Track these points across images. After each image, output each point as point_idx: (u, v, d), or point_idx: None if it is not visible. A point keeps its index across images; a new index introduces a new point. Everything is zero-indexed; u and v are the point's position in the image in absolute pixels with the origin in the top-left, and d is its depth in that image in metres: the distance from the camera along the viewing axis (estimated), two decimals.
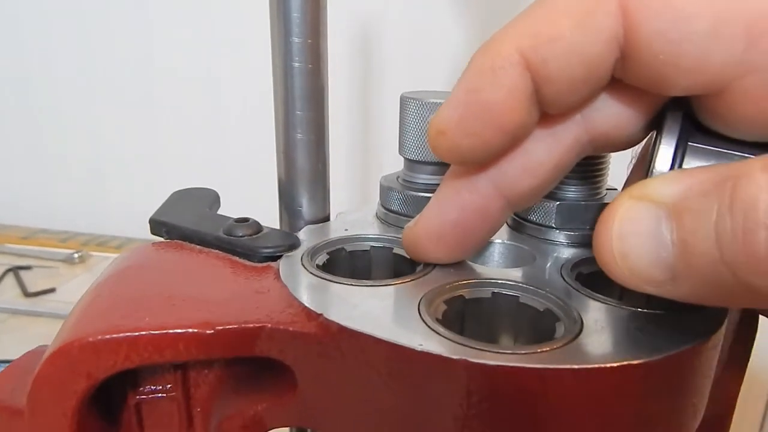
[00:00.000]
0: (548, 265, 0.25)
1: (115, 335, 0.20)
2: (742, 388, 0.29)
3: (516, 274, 0.24)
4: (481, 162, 0.22)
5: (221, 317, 0.21)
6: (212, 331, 0.20)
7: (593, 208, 0.28)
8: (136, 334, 0.20)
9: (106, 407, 0.23)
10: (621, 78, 0.20)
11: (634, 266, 0.18)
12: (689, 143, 0.20)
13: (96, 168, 0.83)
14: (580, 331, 0.20)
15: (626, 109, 0.21)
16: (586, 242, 0.28)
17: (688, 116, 0.20)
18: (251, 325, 0.21)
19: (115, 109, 0.76)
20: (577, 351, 0.19)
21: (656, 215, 0.17)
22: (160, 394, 0.23)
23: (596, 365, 0.18)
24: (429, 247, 0.24)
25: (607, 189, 0.30)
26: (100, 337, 0.20)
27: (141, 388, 0.23)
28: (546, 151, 0.22)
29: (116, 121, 0.77)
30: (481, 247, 0.25)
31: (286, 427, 0.24)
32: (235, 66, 0.69)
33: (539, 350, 0.18)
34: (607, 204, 0.28)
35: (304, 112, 0.29)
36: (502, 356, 0.18)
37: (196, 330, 0.20)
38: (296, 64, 0.28)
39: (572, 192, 0.28)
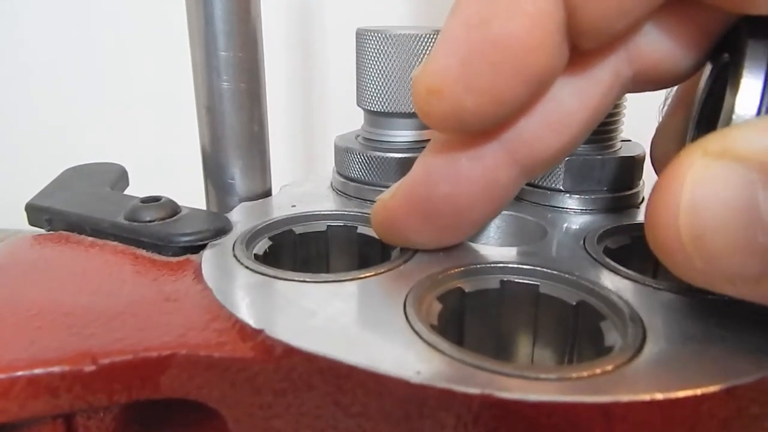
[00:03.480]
0: (564, 239, 0.19)
1: None
2: None
3: (527, 254, 0.18)
4: (491, 126, 0.15)
5: (108, 344, 0.14)
6: (93, 368, 0.13)
7: (609, 163, 0.22)
8: None
9: None
10: None
11: (712, 253, 0.12)
12: None
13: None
14: (645, 335, 0.13)
15: (683, 33, 0.15)
16: (603, 207, 0.22)
17: None
18: (155, 354, 0.14)
19: (20, 98, 0.65)
20: (649, 368, 0.12)
21: (748, 179, 0.12)
22: None
23: (689, 393, 0.12)
24: (412, 228, 0.17)
25: (622, 141, 0.23)
26: None
27: None
28: (578, 98, 0.16)
29: (20, 100, 0.65)
30: (481, 229, 0.18)
31: None
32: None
33: (599, 372, 0.12)
34: (628, 158, 0.23)
35: (230, 53, 0.22)
36: (545, 385, 0.12)
37: (66, 368, 0.13)
38: None
39: (581, 146, 0.22)
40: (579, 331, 0.16)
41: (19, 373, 0.13)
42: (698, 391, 0.12)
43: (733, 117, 0.14)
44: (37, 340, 0.14)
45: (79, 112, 0.61)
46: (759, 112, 0.14)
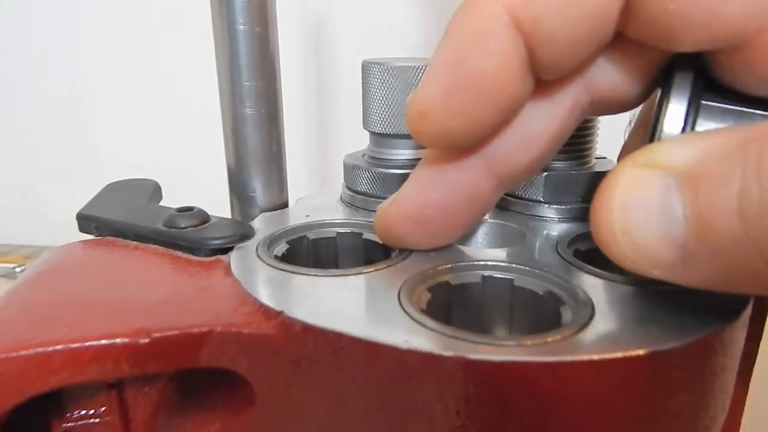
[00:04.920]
0: (541, 242, 0.22)
1: (22, 352, 0.16)
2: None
3: (506, 254, 0.21)
4: (471, 144, 0.18)
5: (158, 322, 0.17)
6: (147, 340, 0.17)
7: (584, 178, 0.25)
8: (50, 349, 0.16)
9: None
10: (622, 32, 0.17)
11: (638, 245, 0.15)
12: (702, 101, 0.17)
13: (32, 175, 0.77)
14: (592, 314, 0.17)
15: (630, 67, 0.18)
16: (578, 216, 0.25)
17: (700, 72, 0.17)
18: (196, 330, 0.17)
19: (45, 111, 0.70)
20: (592, 339, 0.15)
21: (665, 185, 0.14)
22: (92, 420, 0.19)
23: (618, 354, 0.15)
24: (406, 231, 0.20)
25: (596, 158, 0.27)
26: (3, 355, 0.16)
27: (68, 414, 0.19)
28: (544, 120, 0.19)
29: (48, 124, 0.70)
30: (468, 232, 0.21)
31: None
32: (170, 30, 0.63)
33: (549, 340, 0.15)
34: (600, 173, 0.26)
35: (252, 82, 0.25)
36: (506, 350, 0.15)
37: (127, 340, 0.16)
38: (241, 27, 0.25)
39: (560, 162, 0.25)
40: (545, 315, 0.19)
41: (89, 344, 0.16)
42: (628, 353, 0.15)
43: (662, 135, 0.17)
44: (101, 320, 0.17)
45: (122, 133, 0.66)
46: (683, 131, 0.17)
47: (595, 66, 0.18)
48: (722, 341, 0.16)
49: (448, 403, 0.15)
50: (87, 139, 0.69)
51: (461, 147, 0.19)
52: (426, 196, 0.20)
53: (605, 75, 0.18)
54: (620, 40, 0.17)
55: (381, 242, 0.22)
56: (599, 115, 0.20)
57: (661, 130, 0.17)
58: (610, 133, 0.27)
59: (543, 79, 0.18)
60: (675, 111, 0.17)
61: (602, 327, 0.16)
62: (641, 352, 0.15)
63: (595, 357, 0.14)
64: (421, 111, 0.17)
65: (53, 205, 0.73)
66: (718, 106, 0.17)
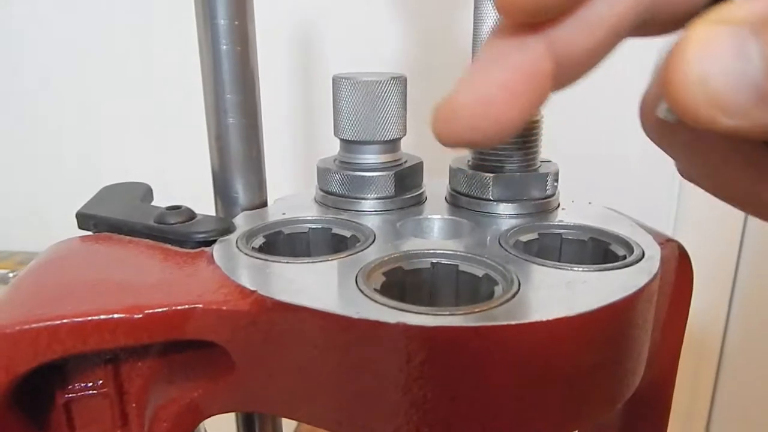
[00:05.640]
0: (487, 235, 0.25)
1: (33, 324, 0.19)
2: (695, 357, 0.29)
3: (455, 245, 0.24)
4: (552, 15, 0.19)
5: (150, 300, 0.20)
6: (140, 315, 0.19)
7: (529, 178, 0.28)
8: (57, 322, 0.19)
9: (32, 410, 0.22)
10: None
11: (714, 91, 0.16)
12: None
13: (29, 180, 0.79)
14: (518, 291, 0.20)
15: None
16: (523, 213, 0.28)
17: None
18: (182, 307, 0.20)
19: (46, 115, 0.73)
20: (514, 308, 0.19)
21: (740, 35, 0.15)
22: (91, 391, 0.22)
23: (533, 320, 0.18)
24: (472, 113, 0.19)
25: (542, 161, 0.30)
26: (18, 327, 0.19)
27: (70, 386, 0.22)
28: (605, 9, 0.19)
29: (49, 127, 0.73)
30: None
31: (224, 413, 0.23)
32: (165, 52, 0.66)
33: (477, 310, 0.18)
34: (541, 173, 0.29)
35: (234, 96, 0.28)
36: (440, 317, 0.18)
37: (123, 315, 0.19)
38: (224, 47, 0.28)
39: (508, 163, 0.28)
40: (483, 295, 0.22)
41: (91, 318, 0.19)
42: (545, 318, 0.18)
43: None
44: (100, 298, 0.20)
45: (111, 139, 0.70)
46: None
47: None
48: (626, 308, 0.19)
49: (393, 362, 0.18)
50: (87, 149, 0.72)
51: (543, 16, 0.19)
52: (492, 76, 0.20)
53: None
54: None
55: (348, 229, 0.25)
56: (657, 20, 0.21)
57: None
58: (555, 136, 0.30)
59: None
60: None
61: (525, 300, 0.19)
62: (552, 317, 0.18)
63: (513, 322, 0.17)
64: None
65: (50, 212, 0.76)
66: None
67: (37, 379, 0.21)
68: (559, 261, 0.23)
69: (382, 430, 0.19)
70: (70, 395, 0.22)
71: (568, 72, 0.21)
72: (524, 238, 0.25)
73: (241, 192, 0.30)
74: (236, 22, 0.28)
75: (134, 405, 0.23)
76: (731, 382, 0.66)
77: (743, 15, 0.16)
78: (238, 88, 0.28)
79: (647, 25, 0.22)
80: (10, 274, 0.88)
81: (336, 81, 0.29)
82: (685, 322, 0.29)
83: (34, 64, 0.71)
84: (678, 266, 0.26)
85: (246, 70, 0.28)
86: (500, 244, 0.24)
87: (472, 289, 0.22)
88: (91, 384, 0.22)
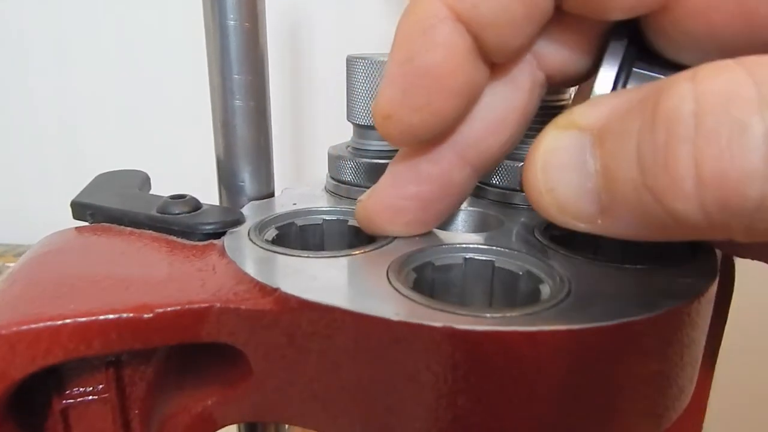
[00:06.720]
0: (518, 228, 0.24)
1: (33, 325, 0.17)
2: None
3: (485, 239, 0.22)
4: (438, 136, 0.19)
5: (160, 299, 0.18)
6: (151, 315, 0.17)
7: None
8: (59, 323, 0.17)
9: (25, 417, 0.20)
10: (560, 6, 0.18)
11: (561, 200, 0.16)
12: (633, 69, 0.18)
13: (9, 171, 0.76)
14: (569, 291, 0.18)
15: (575, 40, 0.19)
16: None
17: (634, 41, 0.18)
18: (197, 306, 0.18)
19: (26, 106, 0.70)
20: (569, 311, 0.17)
21: (581, 143, 0.15)
22: (90, 396, 0.20)
23: (594, 324, 0.16)
24: (386, 221, 0.21)
25: None
26: (15, 328, 0.17)
27: (67, 391, 0.20)
28: (506, 102, 0.20)
29: (28, 118, 0.70)
30: (447, 219, 0.22)
31: (240, 422, 0.21)
32: (160, 24, 0.63)
33: (530, 312, 0.16)
34: None
35: (242, 76, 0.26)
36: (491, 320, 0.16)
37: (131, 314, 0.17)
38: (231, 22, 0.25)
39: None
40: (523, 293, 0.20)
41: (95, 318, 0.17)
42: (601, 324, 0.16)
43: (593, 98, 0.18)
44: (105, 296, 0.18)
45: (114, 129, 0.67)
46: None
47: (543, 43, 0.19)
48: (689, 314, 0.18)
49: (437, 370, 0.16)
50: (71, 141, 0.69)
51: (429, 140, 0.19)
52: (402, 189, 0.21)
53: (554, 50, 0.19)
54: (561, 15, 0.18)
55: None
56: (560, 87, 0.21)
57: (593, 95, 0.18)
58: None
59: (496, 62, 0.19)
60: (605, 77, 0.18)
61: (579, 302, 0.17)
62: (613, 322, 0.16)
63: (573, 327, 0.16)
64: (385, 114, 0.18)
65: (33, 204, 0.73)
66: (648, 74, 0.18)
67: (31, 383, 0.19)
68: (595, 255, 0.21)
69: None
70: (68, 401, 0.20)
71: (487, 166, 0.21)
72: (559, 231, 0.24)
73: (248, 181, 0.28)
74: None
75: (137, 412, 0.21)
76: (728, 383, 0.66)
77: (587, 122, 0.15)
78: (246, 68, 0.26)
79: (556, 86, 0.21)
80: None
81: (350, 62, 0.27)
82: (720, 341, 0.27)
83: (16, 50, 0.67)
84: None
85: (255, 49, 0.26)
86: (536, 237, 0.22)
87: (509, 288, 0.21)
88: (90, 389, 0.20)
